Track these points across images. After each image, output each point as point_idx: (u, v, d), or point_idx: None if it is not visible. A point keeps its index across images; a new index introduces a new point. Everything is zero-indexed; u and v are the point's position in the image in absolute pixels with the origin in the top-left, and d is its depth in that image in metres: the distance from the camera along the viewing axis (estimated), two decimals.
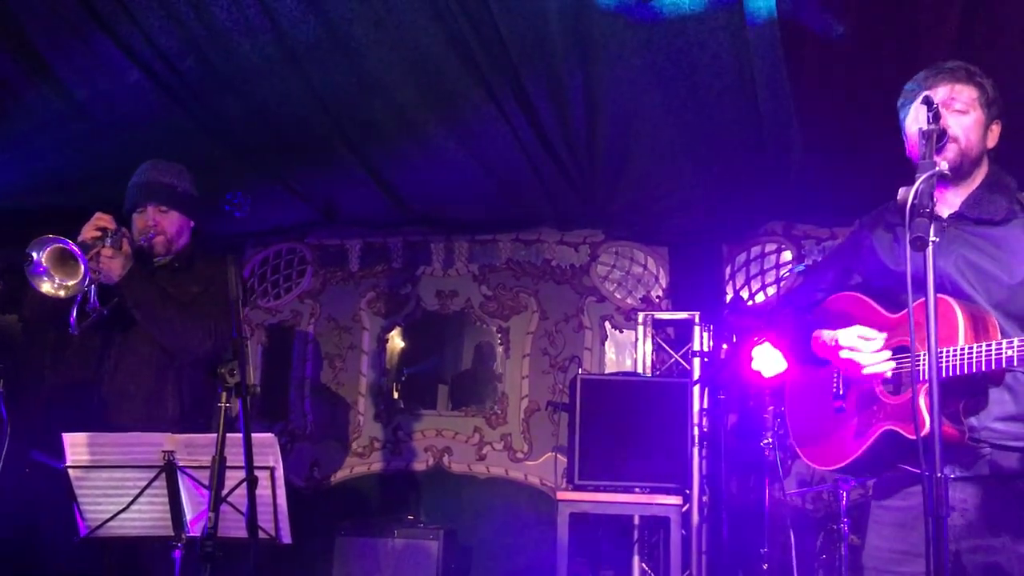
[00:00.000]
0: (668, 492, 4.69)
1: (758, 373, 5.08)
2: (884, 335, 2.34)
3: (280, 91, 4.63)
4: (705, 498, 5.45)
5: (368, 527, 5.47)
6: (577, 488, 4.71)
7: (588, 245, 6.32)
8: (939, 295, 2.24)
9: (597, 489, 4.71)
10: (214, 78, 4.54)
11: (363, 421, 6.41)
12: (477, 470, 6.21)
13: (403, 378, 6.57)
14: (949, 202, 2.43)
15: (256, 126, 4.97)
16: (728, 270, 6.05)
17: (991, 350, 2.12)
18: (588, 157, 5.40)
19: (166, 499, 2.88)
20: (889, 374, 2.31)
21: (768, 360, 5.02)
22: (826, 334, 2.43)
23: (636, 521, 5.42)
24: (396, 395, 6.51)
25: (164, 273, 3.60)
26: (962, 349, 2.17)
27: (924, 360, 2.19)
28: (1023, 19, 3.94)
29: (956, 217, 2.40)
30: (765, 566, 4.72)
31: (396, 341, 6.59)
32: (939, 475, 1.97)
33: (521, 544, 5.73)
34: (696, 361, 5.64)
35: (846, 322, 2.45)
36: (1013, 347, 2.08)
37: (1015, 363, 2.09)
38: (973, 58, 4.01)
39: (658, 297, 6.16)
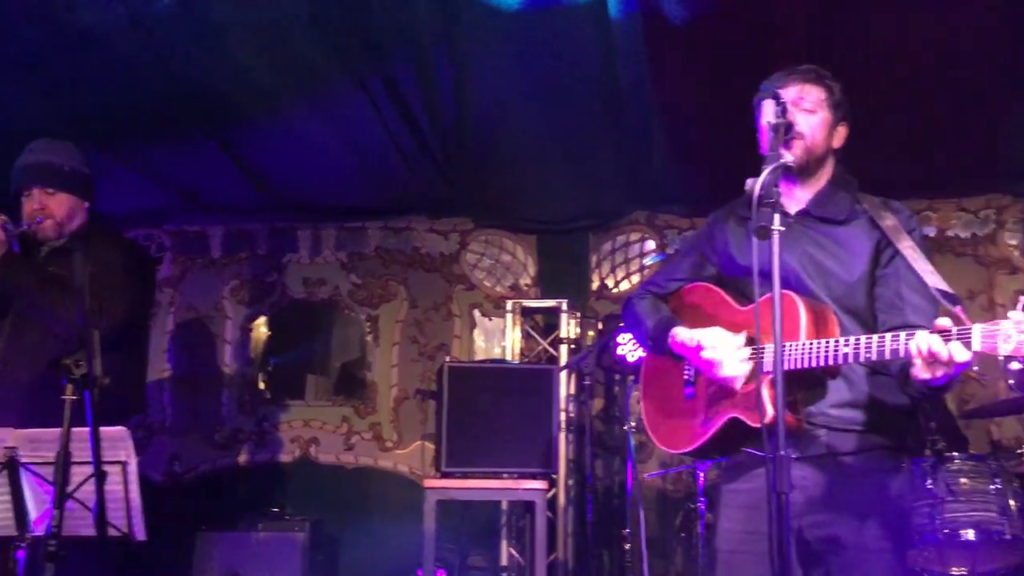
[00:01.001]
0: (534, 477, 4.76)
1: (623, 358, 5.22)
2: (743, 335, 2.42)
3: (130, 66, 4.40)
4: (571, 482, 5.57)
5: (231, 521, 5.33)
6: (444, 475, 4.72)
7: (458, 233, 6.32)
8: (784, 291, 2.33)
9: (465, 476, 4.73)
10: (58, 48, 4.27)
11: (226, 413, 6.24)
12: (345, 460, 6.14)
13: (269, 368, 6.43)
14: (797, 199, 2.53)
15: (107, 105, 4.73)
16: (594, 258, 6.18)
17: (829, 347, 2.23)
18: (457, 145, 5.40)
19: (9, 497, 2.73)
20: (747, 368, 2.39)
21: (632, 346, 5.16)
22: (684, 333, 2.49)
23: (504, 506, 5.49)
24: (262, 385, 6.36)
25: (57, 256, 3.46)
26: (803, 345, 2.27)
27: (766, 353, 2.31)
28: (870, 24, 4.16)
29: (802, 214, 2.51)
30: (627, 546, 4.86)
31: (261, 330, 6.43)
32: (782, 453, 2.08)
33: (390, 533, 5.70)
34: (563, 348, 5.74)
35: (700, 316, 2.54)
36: (850, 345, 2.20)
37: (850, 359, 2.21)
38: (824, 58, 4.24)
39: (527, 285, 6.23)
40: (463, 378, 4.88)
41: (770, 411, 2.26)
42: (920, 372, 2.08)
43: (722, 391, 2.44)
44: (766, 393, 2.27)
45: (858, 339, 2.20)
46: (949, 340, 2.03)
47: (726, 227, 2.63)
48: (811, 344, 2.26)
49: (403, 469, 6.07)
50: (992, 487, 3.94)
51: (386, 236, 6.36)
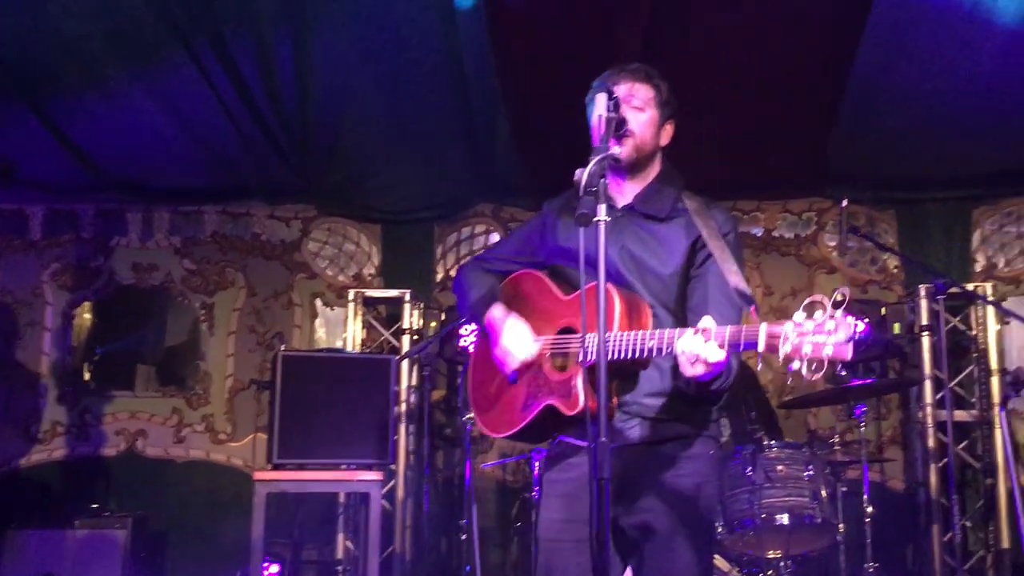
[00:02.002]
0: (371, 468, 4.69)
1: (466, 349, 5.21)
2: (525, 331, 2.46)
3: None
4: (411, 473, 5.53)
5: (45, 518, 5.01)
6: (276, 468, 4.58)
7: (300, 220, 6.16)
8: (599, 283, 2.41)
9: (299, 468, 4.61)
10: None
11: (45, 404, 5.86)
12: (175, 453, 5.89)
13: (95, 357, 6.07)
14: (624, 194, 2.59)
15: None
16: (439, 250, 6.15)
17: (635, 340, 2.26)
18: (300, 129, 5.26)
19: None
20: (549, 354, 2.43)
21: (475, 337, 5.16)
22: (497, 312, 2.54)
23: (342, 499, 5.39)
24: (87, 376, 6.01)
25: None
26: (615, 337, 2.29)
27: (589, 341, 2.29)
28: (708, 22, 4.32)
29: (628, 208, 2.57)
30: (464, 537, 4.87)
31: (85, 317, 6.07)
32: (602, 440, 2.11)
33: (222, 530, 5.50)
34: (405, 338, 5.69)
35: (527, 304, 2.56)
36: (655, 338, 2.24)
37: (654, 353, 2.26)
38: (662, 56, 4.36)
39: (371, 275, 6.15)
40: (298, 368, 4.75)
41: (582, 399, 2.30)
42: (683, 368, 2.17)
43: (540, 378, 2.46)
44: (580, 381, 2.31)
45: (663, 332, 2.24)
46: (708, 340, 2.11)
47: (558, 216, 2.66)
48: (620, 336, 2.30)
49: (237, 462, 5.87)
50: (806, 474, 4.16)
51: (224, 221, 6.13)
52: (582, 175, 2.19)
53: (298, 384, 4.70)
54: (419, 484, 5.46)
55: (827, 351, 1.96)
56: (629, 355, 2.28)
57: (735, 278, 2.34)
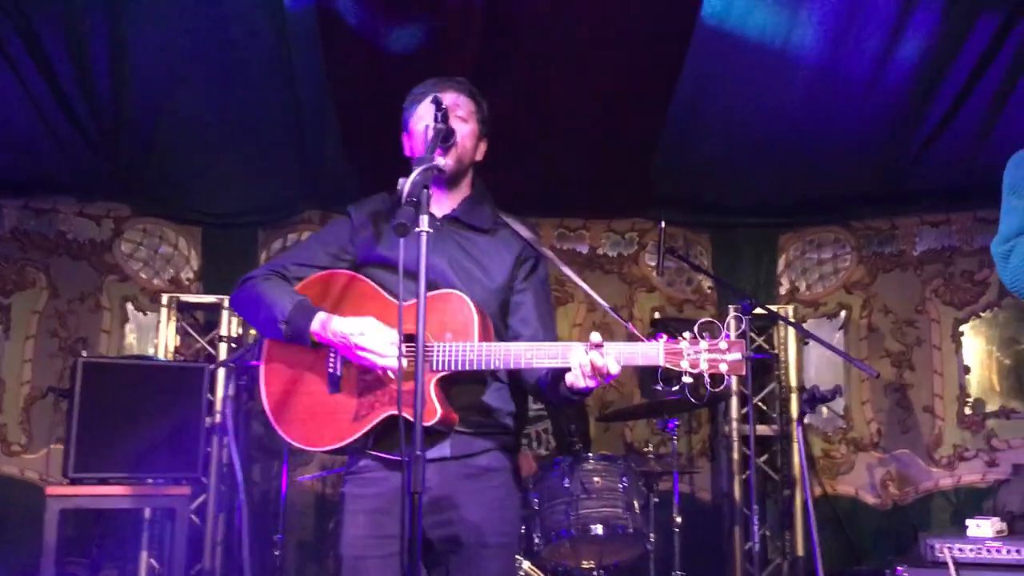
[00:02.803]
0: (181, 482, 4.46)
1: None
2: (394, 331, 2.38)
3: None
4: (224, 487, 5.30)
5: None
6: (74, 482, 4.28)
7: (112, 220, 5.81)
8: (454, 292, 2.42)
9: (100, 482, 4.32)
10: None
11: None
12: None
13: None
14: (444, 205, 2.59)
15: None
16: (263, 255, 5.95)
17: (505, 351, 2.31)
18: (114, 124, 4.97)
19: None
20: (406, 364, 2.33)
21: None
22: (340, 323, 2.40)
23: (147, 515, 5.10)
24: None
25: None
26: (478, 347, 2.32)
27: (437, 351, 2.32)
28: (537, 47, 4.40)
29: (450, 219, 2.57)
30: (277, 552, 4.71)
31: None
32: (418, 453, 2.08)
33: (15, 548, 5.08)
34: (223, 346, 5.46)
35: (348, 308, 2.48)
36: (543, 350, 2.30)
37: (521, 364, 2.31)
38: (493, 76, 4.40)
39: (188, 280, 5.87)
40: (101, 375, 4.46)
41: (440, 409, 2.30)
42: (577, 381, 2.23)
43: (378, 387, 2.41)
44: (434, 390, 2.31)
45: (531, 345, 2.31)
46: (605, 354, 2.21)
47: (372, 222, 2.59)
48: (484, 347, 2.32)
49: (32, 476, 5.45)
50: (621, 485, 4.28)
51: (26, 217, 5.69)
52: (404, 184, 2.18)
53: (101, 393, 4.40)
54: (232, 498, 5.24)
55: (723, 367, 2.22)
56: (496, 365, 2.32)
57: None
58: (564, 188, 5.55)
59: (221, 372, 5.24)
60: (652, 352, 2.24)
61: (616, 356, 2.22)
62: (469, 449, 2.45)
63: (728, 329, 2.23)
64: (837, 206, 5.89)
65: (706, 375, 2.22)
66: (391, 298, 2.48)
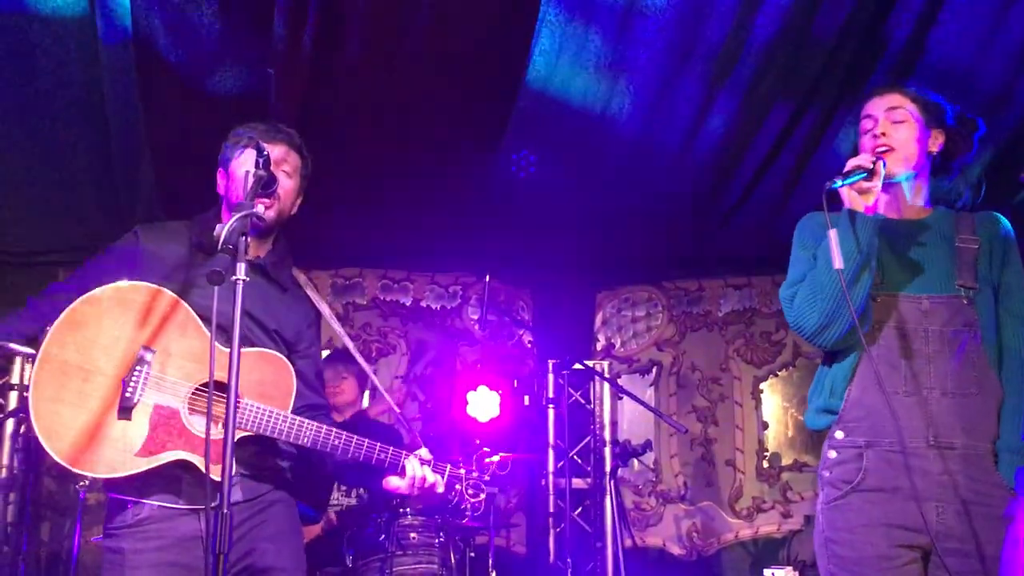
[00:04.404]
0: None
1: None
2: (186, 384, 2.33)
3: None
4: (7, 548, 4.86)
5: None
6: None
7: None
8: (278, 355, 2.45)
9: None
10: None
11: None
12: None
13: None
14: (250, 253, 2.53)
15: None
16: None
17: (358, 444, 2.44)
18: None
19: None
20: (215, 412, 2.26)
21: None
22: None
23: None
24: None
25: None
26: (291, 419, 2.39)
27: (247, 409, 2.32)
28: (360, 91, 4.39)
29: (256, 267, 2.52)
30: None
31: None
32: (225, 511, 2.00)
33: None
34: (13, 395, 5.05)
35: (158, 327, 2.36)
36: (384, 452, 2.48)
37: (372, 462, 2.47)
38: (318, 117, 4.37)
39: None
40: None
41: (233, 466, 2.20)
42: (402, 487, 2.48)
43: (175, 425, 2.30)
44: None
45: (357, 440, 2.44)
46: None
47: (167, 251, 2.50)
48: (298, 422, 2.38)
49: None
50: (437, 541, 4.25)
51: None
52: (221, 230, 2.12)
53: None
54: (15, 561, 4.81)
55: (481, 496, 2.59)
56: (314, 447, 2.40)
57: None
58: (388, 239, 5.54)
59: (10, 423, 4.84)
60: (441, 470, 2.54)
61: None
62: (257, 492, 2.46)
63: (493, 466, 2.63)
64: (650, 267, 6.18)
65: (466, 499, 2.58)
66: (206, 330, 2.39)
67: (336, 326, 2.75)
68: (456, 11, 3.94)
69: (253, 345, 2.43)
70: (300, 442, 2.37)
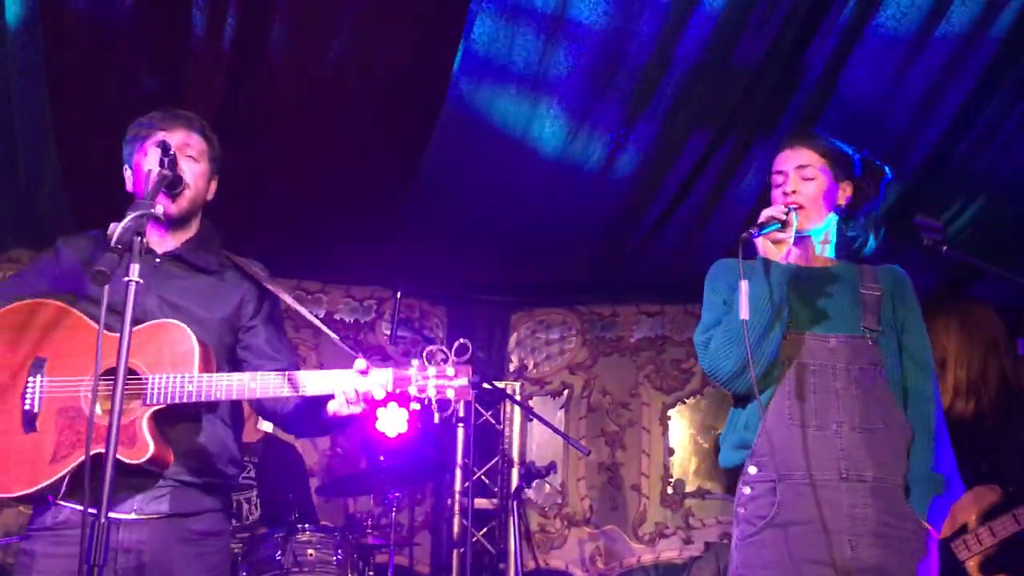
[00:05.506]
0: None
1: None
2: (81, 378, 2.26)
3: None
4: None
5: None
6: None
7: None
8: (173, 321, 2.35)
9: None
10: None
11: None
12: None
13: None
14: (167, 243, 2.51)
15: None
16: None
17: (218, 381, 2.27)
18: None
19: None
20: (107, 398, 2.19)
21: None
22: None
23: None
24: None
25: None
26: (193, 378, 2.27)
27: (152, 384, 2.24)
28: (284, 94, 4.32)
29: (172, 256, 2.49)
30: None
31: None
32: (103, 521, 1.91)
33: None
34: None
35: (49, 339, 2.33)
36: (270, 379, 2.28)
37: (271, 392, 2.29)
38: (237, 118, 4.28)
39: None
40: None
41: (151, 445, 2.20)
42: (341, 408, 2.24)
43: (81, 423, 2.23)
44: (145, 425, 2.21)
45: (287, 374, 2.27)
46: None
47: (79, 258, 2.47)
48: (205, 377, 2.26)
49: None
50: (335, 558, 4.17)
51: None
52: (115, 229, 2.07)
53: None
54: None
55: (450, 393, 2.25)
56: (229, 396, 2.26)
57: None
58: (302, 250, 5.45)
59: None
60: (382, 380, 2.26)
61: (353, 384, 2.24)
62: (189, 508, 2.34)
63: (454, 355, 2.28)
64: (565, 290, 6.22)
65: (433, 400, 2.26)
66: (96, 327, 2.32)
67: (287, 298, 2.63)
68: (378, 32, 3.93)
69: None
70: (219, 396, 2.26)
